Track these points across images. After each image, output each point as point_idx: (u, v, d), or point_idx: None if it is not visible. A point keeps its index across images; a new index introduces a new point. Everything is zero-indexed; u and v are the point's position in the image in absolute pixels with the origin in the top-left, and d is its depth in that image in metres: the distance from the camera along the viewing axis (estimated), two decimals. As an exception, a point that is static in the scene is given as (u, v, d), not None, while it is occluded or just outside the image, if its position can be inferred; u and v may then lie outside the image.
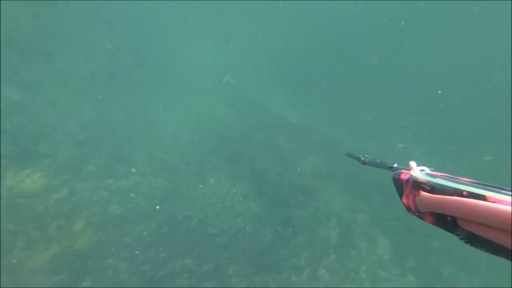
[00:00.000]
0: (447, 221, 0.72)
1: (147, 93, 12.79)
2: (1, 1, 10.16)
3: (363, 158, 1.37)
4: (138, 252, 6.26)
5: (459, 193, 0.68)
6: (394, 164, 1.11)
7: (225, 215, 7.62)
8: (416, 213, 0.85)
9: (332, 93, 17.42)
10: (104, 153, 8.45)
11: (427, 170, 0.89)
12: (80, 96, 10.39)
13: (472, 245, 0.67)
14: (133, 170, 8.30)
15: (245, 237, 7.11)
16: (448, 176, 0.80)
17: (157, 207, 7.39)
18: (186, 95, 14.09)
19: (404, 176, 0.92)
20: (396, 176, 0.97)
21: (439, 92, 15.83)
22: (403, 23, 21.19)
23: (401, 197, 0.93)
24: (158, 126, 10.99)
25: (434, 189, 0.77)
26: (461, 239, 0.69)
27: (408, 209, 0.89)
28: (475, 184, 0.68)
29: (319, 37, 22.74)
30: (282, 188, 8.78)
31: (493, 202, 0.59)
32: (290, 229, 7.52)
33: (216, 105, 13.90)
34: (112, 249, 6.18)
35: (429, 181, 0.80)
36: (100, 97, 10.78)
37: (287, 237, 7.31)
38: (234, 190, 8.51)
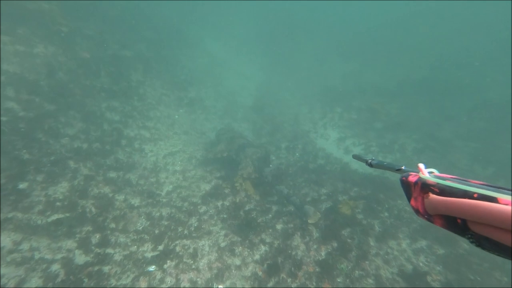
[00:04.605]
0: (457, 223, 0.73)
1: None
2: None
3: (370, 161, 1.39)
4: None
5: (469, 195, 0.69)
6: (402, 166, 1.12)
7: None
8: (425, 216, 0.86)
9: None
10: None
11: (436, 172, 0.90)
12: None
13: (483, 248, 0.68)
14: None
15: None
16: (457, 178, 0.80)
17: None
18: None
19: (412, 178, 0.93)
20: (404, 178, 0.97)
21: None
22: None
23: (409, 200, 0.94)
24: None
25: (443, 191, 0.78)
26: (471, 242, 0.71)
27: (417, 212, 0.91)
28: (486, 187, 0.69)
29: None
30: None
31: (506, 204, 0.60)
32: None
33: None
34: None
35: (438, 183, 0.81)
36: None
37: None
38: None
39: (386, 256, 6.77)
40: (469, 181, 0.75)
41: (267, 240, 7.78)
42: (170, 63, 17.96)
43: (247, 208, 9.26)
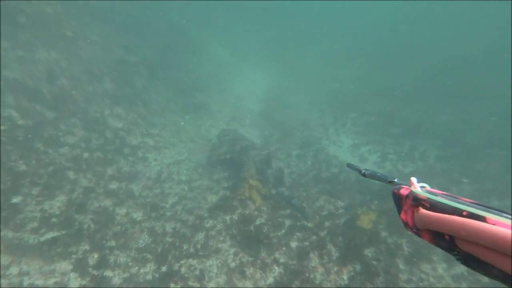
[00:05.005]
0: (444, 239, 0.75)
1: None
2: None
3: (363, 171, 1.38)
4: None
5: (459, 212, 0.70)
6: (395, 178, 1.13)
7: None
8: (414, 230, 0.88)
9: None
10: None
11: (428, 187, 0.91)
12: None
13: (468, 266, 0.70)
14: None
15: None
16: (448, 195, 0.81)
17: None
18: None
19: (404, 191, 0.94)
20: (396, 190, 0.99)
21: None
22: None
23: (399, 213, 0.96)
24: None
25: (434, 206, 0.79)
26: (457, 259, 0.73)
27: (406, 225, 0.92)
28: (476, 205, 0.70)
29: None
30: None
31: (493, 224, 0.61)
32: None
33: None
34: None
35: (429, 198, 0.82)
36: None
37: None
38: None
39: (421, 284, 5.95)
40: (460, 199, 0.77)
41: (281, 260, 7.05)
42: (176, 68, 17.63)
43: (257, 222, 8.57)
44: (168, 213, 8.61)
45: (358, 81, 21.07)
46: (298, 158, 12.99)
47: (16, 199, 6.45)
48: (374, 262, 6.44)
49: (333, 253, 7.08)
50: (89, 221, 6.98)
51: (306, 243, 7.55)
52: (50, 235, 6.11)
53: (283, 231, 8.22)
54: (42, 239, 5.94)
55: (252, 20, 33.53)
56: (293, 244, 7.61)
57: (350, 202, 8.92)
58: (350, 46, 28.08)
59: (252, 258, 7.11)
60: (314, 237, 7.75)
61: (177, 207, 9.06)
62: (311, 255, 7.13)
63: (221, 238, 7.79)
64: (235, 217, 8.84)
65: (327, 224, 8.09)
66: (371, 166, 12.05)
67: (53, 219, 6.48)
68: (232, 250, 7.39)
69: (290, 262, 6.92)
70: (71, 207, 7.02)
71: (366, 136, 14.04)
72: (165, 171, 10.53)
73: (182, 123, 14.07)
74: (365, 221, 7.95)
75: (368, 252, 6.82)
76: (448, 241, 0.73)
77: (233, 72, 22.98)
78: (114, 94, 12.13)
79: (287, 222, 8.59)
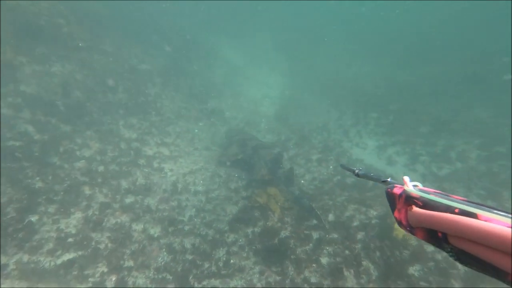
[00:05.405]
0: (437, 237, 0.77)
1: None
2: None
3: (357, 171, 1.52)
4: None
5: (451, 210, 0.74)
6: (388, 178, 1.17)
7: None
8: (408, 228, 0.91)
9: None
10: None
11: (420, 186, 0.95)
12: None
13: (461, 262, 0.74)
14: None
15: None
16: (440, 193, 0.84)
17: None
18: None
19: (397, 190, 0.98)
20: (389, 190, 1.02)
21: None
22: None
23: (393, 211, 1.00)
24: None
25: (426, 204, 0.82)
26: (450, 255, 0.75)
27: (400, 223, 0.95)
28: (467, 203, 0.73)
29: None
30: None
31: (484, 220, 0.64)
32: None
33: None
34: None
35: (421, 197, 0.86)
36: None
37: None
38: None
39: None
40: (451, 196, 0.79)
41: (313, 280, 6.40)
42: (188, 75, 17.46)
43: (282, 235, 7.96)
44: (187, 227, 8.19)
45: (378, 79, 20.03)
46: (319, 163, 12.27)
47: (33, 218, 6.22)
48: (423, 284, 5.64)
49: (372, 271, 6.34)
50: (106, 239, 6.65)
51: (339, 259, 6.85)
52: (66, 257, 5.81)
53: (310, 245, 7.56)
54: (59, 261, 5.64)
55: (263, 21, 33.16)
56: (324, 260, 6.94)
57: (384, 211, 8.12)
58: (374, 44, 26.93)
59: (280, 277, 6.50)
60: (347, 251, 7.04)
61: (195, 220, 8.63)
62: (346, 273, 6.43)
63: (244, 255, 7.25)
64: (257, 229, 8.28)
65: (359, 236, 7.34)
66: (400, 169, 11.11)
67: (70, 239, 6.19)
68: (257, 268, 6.82)
69: (324, 282, 6.24)
70: (88, 225, 6.73)
71: (392, 137, 13.08)
72: (181, 181, 10.17)
73: (196, 131, 13.76)
74: (402, 231, 7.15)
75: (414, 270, 6.02)
76: (441, 238, 0.75)
77: (246, 75, 22.60)
78: (128, 103, 12.00)
79: (314, 235, 7.92)
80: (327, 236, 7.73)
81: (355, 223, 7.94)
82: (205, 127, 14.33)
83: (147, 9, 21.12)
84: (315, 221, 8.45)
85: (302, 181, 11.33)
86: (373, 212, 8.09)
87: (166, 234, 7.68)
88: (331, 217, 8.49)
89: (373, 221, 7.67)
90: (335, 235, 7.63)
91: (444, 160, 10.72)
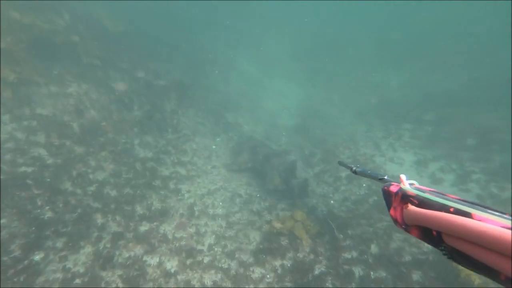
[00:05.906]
0: (432, 235, 0.78)
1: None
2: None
3: (354, 168, 1.48)
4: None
5: (446, 209, 0.73)
6: (385, 176, 1.19)
7: None
8: (403, 226, 0.91)
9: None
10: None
11: (416, 184, 0.94)
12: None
13: (454, 260, 0.73)
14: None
15: None
16: (436, 192, 0.84)
17: None
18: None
19: (394, 188, 0.98)
20: (385, 188, 1.03)
21: None
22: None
23: (389, 209, 0.99)
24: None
25: (422, 203, 0.83)
26: (444, 254, 0.75)
27: (395, 221, 0.95)
28: (462, 202, 0.73)
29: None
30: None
31: (479, 220, 0.64)
32: None
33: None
34: None
35: (417, 195, 0.86)
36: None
37: None
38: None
39: None
40: (447, 195, 0.78)
41: (362, 335, 5.21)
42: (204, 89, 17.09)
43: (317, 271, 6.86)
44: (206, 259, 7.30)
45: (407, 87, 18.66)
46: (349, 181, 11.11)
47: (38, 256, 5.59)
48: None
49: (438, 327, 5.06)
50: (117, 278, 5.88)
51: (392, 308, 5.64)
52: (71, 304, 5.07)
53: (353, 284, 6.39)
54: (63, 310, 4.91)
55: (280, 30, 32.87)
56: (373, 308, 5.74)
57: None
58: (397, 49, 25.59)
59: (321, 332, 5.39)
60: (399, 295, 5.81)
61: (216, 249, 7.74)
62: (404, 328, 5.20)
63: (274, 297, 6.21)
64: (286, 263, 7.24)
65: (416, 277, 6.09)
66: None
67: (77, 280, 5.47)
68: (291, 316, 5.75)
69: None
70: (98, 261, 6.01)
71: (432, 150, 11.68)
72: (198, 204, 9.38)
73: (214, 147, 13.09)
74: (471, 272, 5.83)
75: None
76: (435, 237, 0.75)
77: (262, 87, 22.04)
78: (143, 121, 11.58)
79: (356, 271, 6.74)
80: (372, 273, 6.53)
81: (407, 258, 6.68)
82: (222, 142, 13.65)
83: (163, 24, 21.38)
84: (354, 253, 7.29)
85: (332, 202, 10.21)
86: (428, 246, 6.80)
87: (183, 268, 6.82)
88: (373, 248, 7.29)
89: (431, 257, 6.40)
90: (383, 273, 6.42)
91: (505, 179, 9.19)
